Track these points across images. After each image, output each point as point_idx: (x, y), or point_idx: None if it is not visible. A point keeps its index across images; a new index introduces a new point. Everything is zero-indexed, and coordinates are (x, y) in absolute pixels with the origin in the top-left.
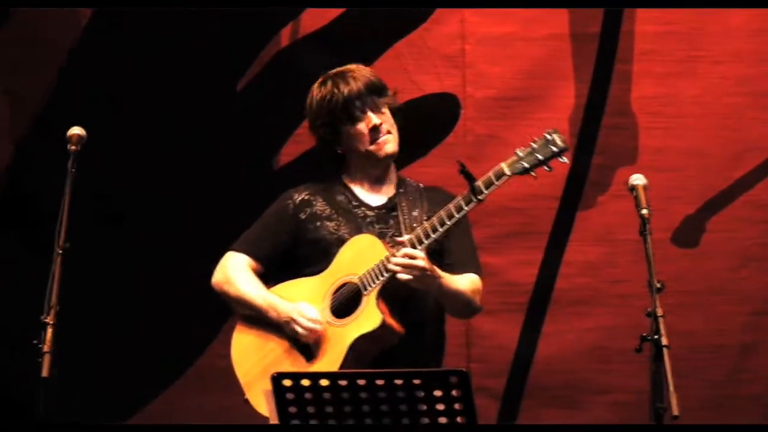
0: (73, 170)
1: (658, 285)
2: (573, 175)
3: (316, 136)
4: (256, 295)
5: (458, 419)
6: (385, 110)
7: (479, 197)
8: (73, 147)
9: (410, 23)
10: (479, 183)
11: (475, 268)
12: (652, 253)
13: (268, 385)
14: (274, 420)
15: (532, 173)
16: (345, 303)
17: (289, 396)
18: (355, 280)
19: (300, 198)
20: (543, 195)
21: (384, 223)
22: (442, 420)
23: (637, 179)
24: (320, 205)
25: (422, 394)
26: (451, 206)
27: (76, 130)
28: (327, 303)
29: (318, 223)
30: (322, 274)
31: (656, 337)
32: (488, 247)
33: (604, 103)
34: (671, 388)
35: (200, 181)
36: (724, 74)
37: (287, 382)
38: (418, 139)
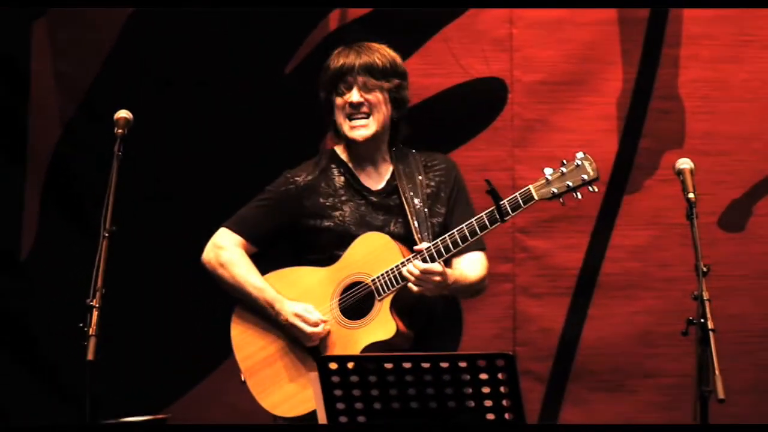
0: (120, 153)
1: (705, 269)
2: (620, 159)
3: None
4: (253, 287)
5: (504, 402)
6: (378, 93)
7: (504, 219)
8: (120, 130)
9: (459, 7)
10: (506, 204)
11: (479, 244)
12: (698, 237)
13: (269, 377)
14: (319, 404)
15: (560, 200)
16: (356, 304)
17: (335, 379)
18: (368, 281)
19: (303, 182)
20: None
21: (386, 211)
22: (488, 403)
23: (684, 163)
24: (323, 192)
25: (468, 377)
26: (474, 223)
27: (123, 114)
28: (336, 300)
29: (323, 213)
30: (329, 267)
31: (702, 320)
32: (535, 231)
33: (652, 87)
34: (717, 371)
35: (247, 164)
36: None
37: (333, 366)
38: (465, 123)
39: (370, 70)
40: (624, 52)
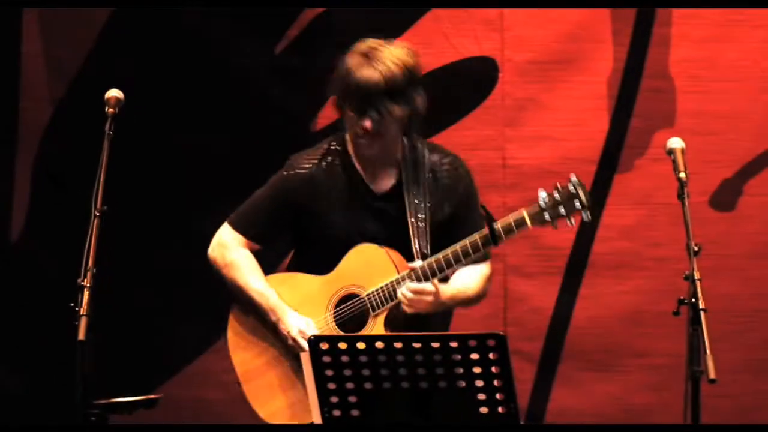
0: (111, 133)
1: (696, 248)
2: (611, 138)
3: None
4: (256, 292)
5: (495, 382)
6: (392, 122)
7: (497, 242)
8: (111, 109)
9: (450, 8)
10: (499, 228)
11: (487, 254)
12: (689, 217)
13: (265, 384)
14: (310, 383)
15: (554, 226)
16: (350, 317)
17: (326, 359)
18: (362, 295)
19: (306, 175)
20: (581, 158)
21: (386, 219)
22: (479, 383)
23: (675, 143)
24: (324, 189)
25: (459, 357)
26: (468, 243)
27: (114, 93)
28: (330, 312)
29: (320, 215)
30: (325, 277)
31: (693, 300)
32: None
33: (643, 67)
34: (708, 351)
35: (237, 144)
36: (764, 38)
37: (324, 345)
38: (456, 102)
39: (389, 94)
40: (614, 31)
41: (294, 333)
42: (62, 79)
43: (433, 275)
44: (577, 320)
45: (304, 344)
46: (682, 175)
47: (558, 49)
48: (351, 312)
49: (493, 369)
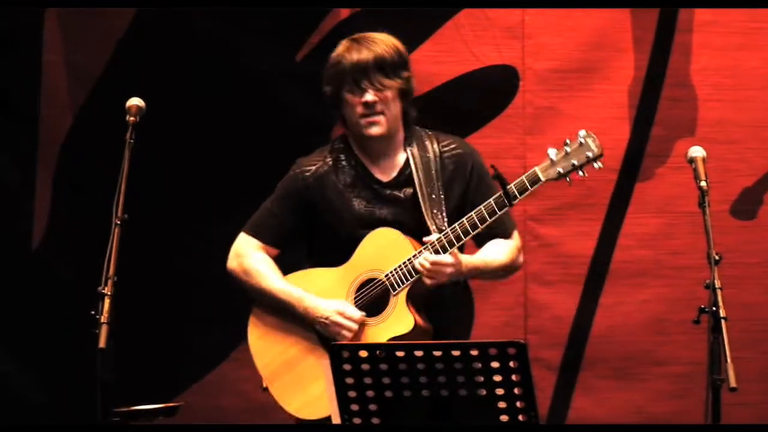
0: (132, 141)
1: (717, 257)
2: (632, 147)
3: (324, 94)
4: (279, 290)
5: (515, 390)
6: (389, 91)
7: (512, 203)
8: (132, 118)
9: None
10: (513, 188)
11: (509, 226)
12: (710, 225)
13: (291, 380)
14: (331, 391)
15: (567, 179)
16: (371, 301)
17: (347, 367)
18: (381, 277)
19: (312, 176)
20: None
21: (397, 204)
22: (500, 391)
23: (696, 151)
24: (333, 187)
25: (479, 365)
26: (483, 209)
27: (135, 101)
28: (351, 299)
29: (332, 212)
30: (342, 267)
31: (714, 309)
32: (546, 219)
33: (664, 75)
34: (729, 360)
35: (258, 151)
36: None
37: (345, 353)
38: (477, 110)
39: (382, 67)
40: (636, 40)
41: (333, 317)
42: (83, 87)
43: (451, 246)
44: (598, 328)
45: (350, 324)
46: (703, 183)
47: (579, 58)
48: (372, 294)
49: (514, 377)
